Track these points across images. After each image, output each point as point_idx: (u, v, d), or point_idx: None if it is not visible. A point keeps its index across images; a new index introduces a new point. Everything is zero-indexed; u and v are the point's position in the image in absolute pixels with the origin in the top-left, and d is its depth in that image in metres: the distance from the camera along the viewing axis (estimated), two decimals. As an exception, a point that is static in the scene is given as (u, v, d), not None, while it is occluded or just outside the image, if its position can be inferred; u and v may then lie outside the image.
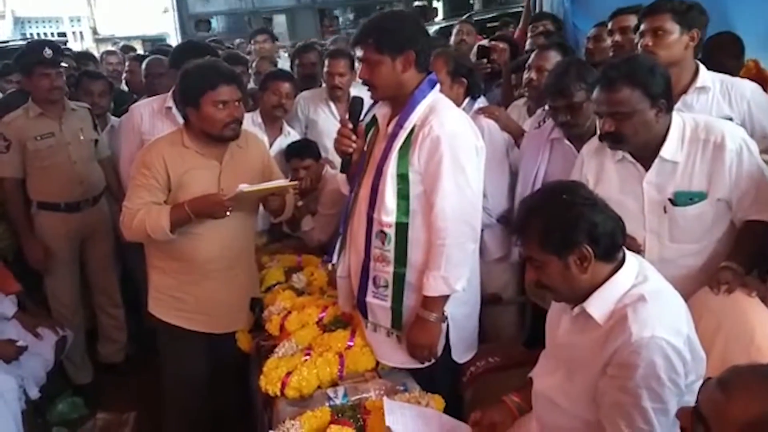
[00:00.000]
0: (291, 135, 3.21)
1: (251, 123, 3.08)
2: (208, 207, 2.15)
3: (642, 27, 2.17)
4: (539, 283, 1.49)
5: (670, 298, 1.44)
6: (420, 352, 1.95)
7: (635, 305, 1.38)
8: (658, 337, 1.31)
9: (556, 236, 1.41)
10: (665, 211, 1.82)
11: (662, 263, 1.57)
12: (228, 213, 2.16)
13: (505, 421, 1.68)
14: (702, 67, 2.17)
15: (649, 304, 1.37)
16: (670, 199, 1.81)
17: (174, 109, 2.76)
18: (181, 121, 2.65)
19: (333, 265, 2.16)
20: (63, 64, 3.10)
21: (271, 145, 3.13)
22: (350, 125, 1.98)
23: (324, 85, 3.44)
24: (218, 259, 2.28)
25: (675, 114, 1.82)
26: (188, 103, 2.17)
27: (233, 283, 2.35)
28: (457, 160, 1.82)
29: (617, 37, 2.75)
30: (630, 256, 1.48)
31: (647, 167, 1.84)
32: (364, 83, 1.93)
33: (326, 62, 3.33)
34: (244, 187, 2.12)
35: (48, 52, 2.95)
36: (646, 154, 1.83)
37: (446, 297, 1.89)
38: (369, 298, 2.00)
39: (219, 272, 2.29)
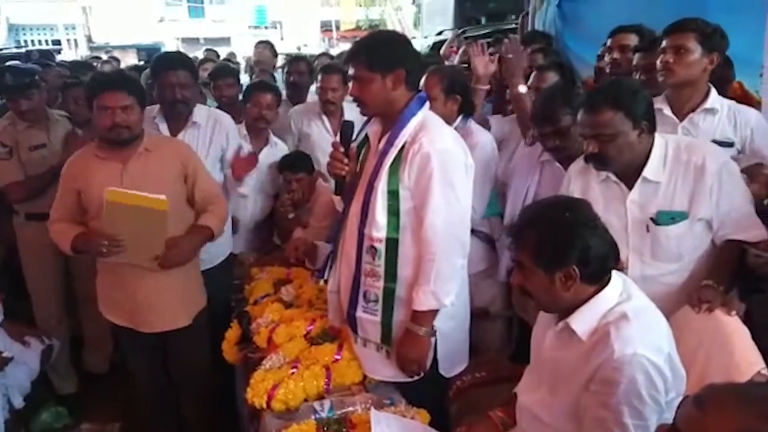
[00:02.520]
0: (278, 146, 3.24)
1: (237, 135, 3.11)
2: (87, 246, 2.28)
3: (664, 43, 2.18)
4: (523, 289, 1.52)
5: (652, 316, 1.47)
6: (409, 366, 1.96)
7: (618, 323, 1.40)
8: (640, 354, 1.33)
9: (547, 251, 1.43)
10: (648, 230, 1.86)
11: (644, 281, 1.60)
12: (104, 250, 2.22)
13: None
14: (713, 90, 2.20)
15: (631, 322, 1.39)
16: (652, 219, 1.85)
17: (158, 119, 2.78)
18: (166, 132, 2.74)
19: (325, 281, 2.18)
20: (33, 90, 3.05)
21: None
22: (342, 149, 2.01)
23: (315, 98, 3.48)
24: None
25: (657, 135, 1.86)
26: (90, 108, 2.31)
27: (159, 284, 2.37)
28: (447, 176, 1.85)
29: (615, 55, 2.78)
30: (614, 274, 1.50)
31: (630, 187, 1.87)
32: (355, 100, 1.96)
33: (319, 77, 3.38)
34: (110, 189, 2.18)
35: (9, 78, 2.95)
36: (630, 174, 1.87)
37: (435, 311, 1.91)
38: (359, 313, 2.01)
39: (140, 272, 2.33)
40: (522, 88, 2.61)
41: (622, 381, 1.33)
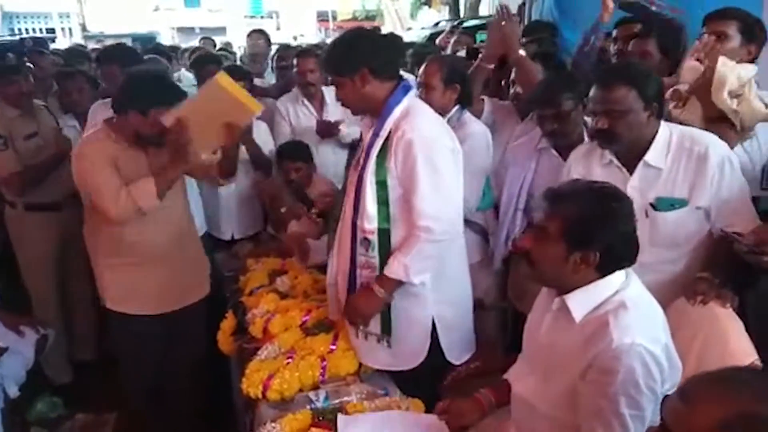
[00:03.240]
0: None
1: None
2: (177, 152, 2.24)
3: (704, 29, 2.17)
4: (528, 256, 1.52)
5: (649, 306, 1.47)
6: (354, 317, 1.99)
7: (617, 312, 1.40)
8: (638, 344, 1.33)
9: (579, 229, 1.42)
10: (646, 216, 1.85)
11: (640, 267, 1.58)
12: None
13: (472, 412, 1.68)
14: None
15: (630, 311, 1.39)
16: (651, 204, 1.85)
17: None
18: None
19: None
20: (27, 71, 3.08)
21: None
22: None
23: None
24: (165, 242, 2.41)
25: (663, 123, 1.87)
26: (137, 106, 2.24)
27: (184, 263, 2.50)
28: (431, 161, 1.85)
29: (621, 46, 2.76)
30: None
31: (632, 172, 1.88)
32: (342, 104, 2.01)
33: (295, 62, 3.43)
34: (222, 73, 2.16)
35: (10, 59, 2.94)
36: (632, 158, 1.87)
37: (400, 282, 1.91)
38: None
39: (169, 254, 2.42)
40: (522, 51, 2.59)
41: (620, 370, 1.33)
